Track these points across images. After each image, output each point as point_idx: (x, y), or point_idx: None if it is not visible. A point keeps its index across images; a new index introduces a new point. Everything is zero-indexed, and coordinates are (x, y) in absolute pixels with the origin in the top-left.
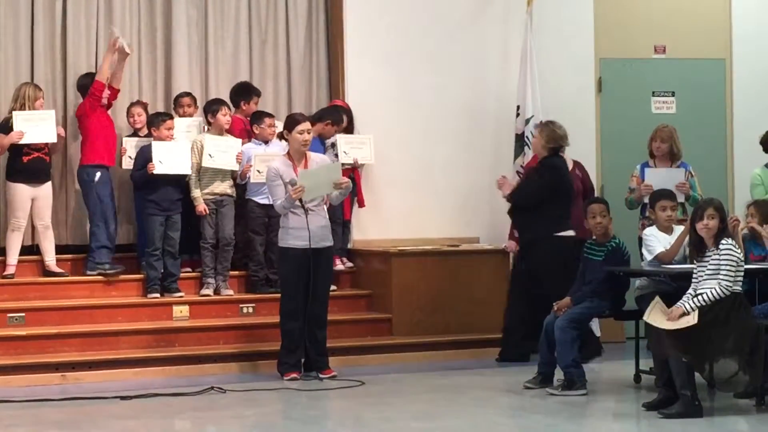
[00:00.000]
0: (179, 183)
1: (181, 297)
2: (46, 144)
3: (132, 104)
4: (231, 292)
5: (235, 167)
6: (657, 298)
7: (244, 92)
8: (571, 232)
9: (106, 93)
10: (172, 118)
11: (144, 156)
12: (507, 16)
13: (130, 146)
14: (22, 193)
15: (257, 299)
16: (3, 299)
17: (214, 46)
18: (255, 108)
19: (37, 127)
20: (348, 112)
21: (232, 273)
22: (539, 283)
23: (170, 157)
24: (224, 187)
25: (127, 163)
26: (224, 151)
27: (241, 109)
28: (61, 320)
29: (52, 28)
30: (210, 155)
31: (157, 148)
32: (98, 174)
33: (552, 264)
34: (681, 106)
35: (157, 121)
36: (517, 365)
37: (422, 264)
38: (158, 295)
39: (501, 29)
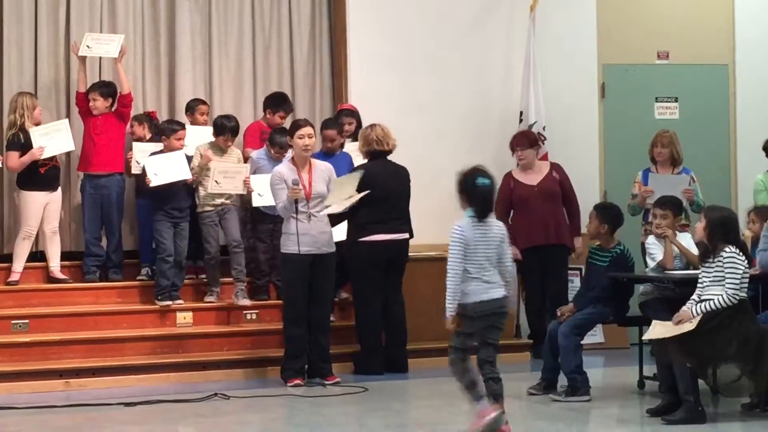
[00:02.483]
0: (188, 190)
1: (182, 304)
2: None
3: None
4: (247, 302)
5: (242, 191)
6: (654, 322)
7: (272, 102)
8: (377, 237)
9: (102, 103)
10: (184, 128)
11: None
12: (510, 21)
13: (138, 151)
14: (38, 200)
15: (261, 306)
16: (7, 306)
17: (218, 52)
18: (279, 121)
19: (54, 139)
20: (356, 115)
21: None
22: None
23: (165, 169)
24: (224, 198)
25: (136, 168)
26: (231, 177)
27: (266, 117)
28: (65, 327)
29: (56, 35)
30: (216, 182)
31: (150, 163)
32: (79, 182)
33: (354, 269)
34: (684, 111)
35: (168, 130)
36: (516, 372)
37: (427, 269)
38: (170, 303)
39: (504, 35)
